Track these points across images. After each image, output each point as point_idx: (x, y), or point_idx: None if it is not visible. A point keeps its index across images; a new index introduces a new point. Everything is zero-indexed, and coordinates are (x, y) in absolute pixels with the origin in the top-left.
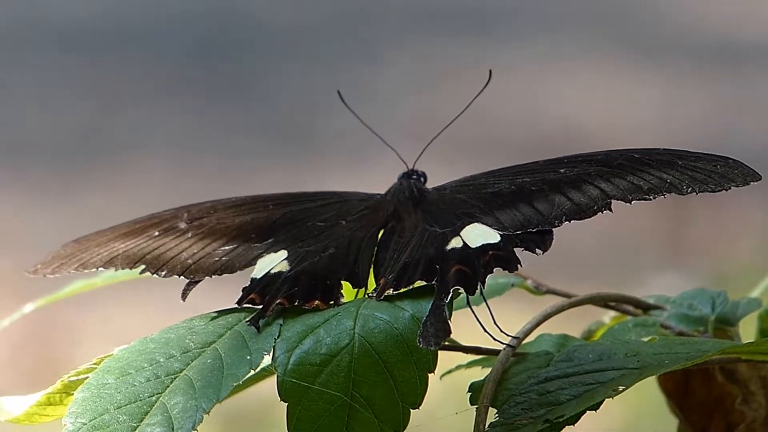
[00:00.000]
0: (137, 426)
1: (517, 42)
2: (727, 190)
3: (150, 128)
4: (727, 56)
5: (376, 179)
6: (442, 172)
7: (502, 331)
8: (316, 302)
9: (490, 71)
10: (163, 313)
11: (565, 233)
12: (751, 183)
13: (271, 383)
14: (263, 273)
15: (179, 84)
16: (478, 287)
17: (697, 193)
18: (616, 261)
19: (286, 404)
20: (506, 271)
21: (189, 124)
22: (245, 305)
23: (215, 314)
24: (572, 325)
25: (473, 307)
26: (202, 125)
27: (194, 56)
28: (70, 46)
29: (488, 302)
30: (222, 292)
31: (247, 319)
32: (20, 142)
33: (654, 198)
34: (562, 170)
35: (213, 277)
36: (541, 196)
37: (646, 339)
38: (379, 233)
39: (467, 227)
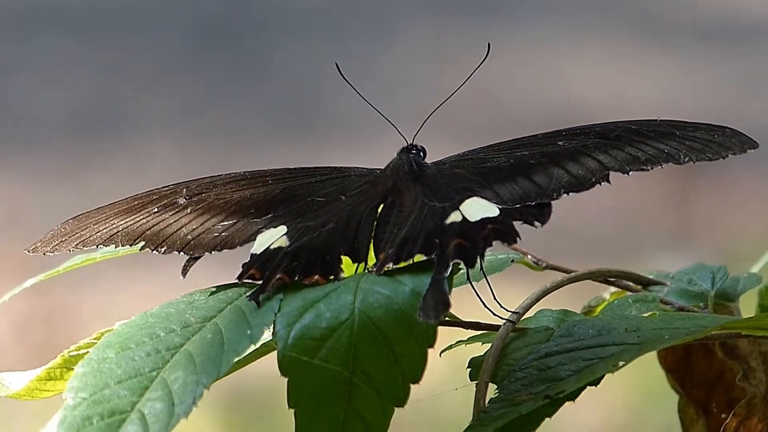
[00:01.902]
0: (138, 401)
1: (523, 21)
2: (724, 158)
3: (153, 108)
4: (734, 33)
5: (381, 158)
6: (448, 153)
7: (502, 306)
8: (316, 277)
9: (489, 44)
10: (164, 290)
11: (572, 211)
12: (749, 150)
13: (273, 365)
14: (263, 248)
15: (183, 64)
16: (478, 261)
17: (694, 162)
18: (622, 240)
19: (287, 379)
20: (506, 245)
21: (192, 103)
22: (245, 280)
23: (215, 289)
24: (572, 300)
25: (473, 283)
26: (206, 105)
27: (198, 36)
28: (75, 25)
29: (488, 278)
30: (222, 269)
31: (248, 294)
32: (24, 123)
33: (651, 168)
34: (560, 143)
35: (213, 253)
36: (539, 169)
37: (646, 314)
38: (378, 208)
39: (466, 201)
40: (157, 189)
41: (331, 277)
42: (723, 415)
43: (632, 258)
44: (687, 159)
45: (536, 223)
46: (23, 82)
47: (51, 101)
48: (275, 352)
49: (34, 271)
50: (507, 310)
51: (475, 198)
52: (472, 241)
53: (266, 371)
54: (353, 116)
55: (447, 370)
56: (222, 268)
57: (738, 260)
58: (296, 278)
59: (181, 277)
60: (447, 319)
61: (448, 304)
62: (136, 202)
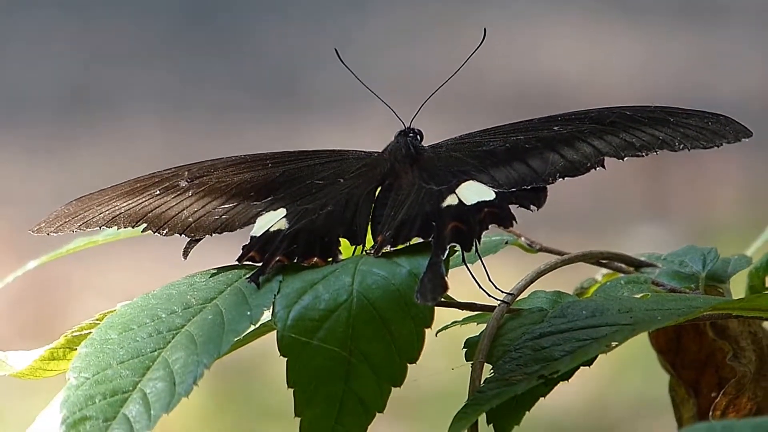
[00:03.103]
0: (139, 381)
1: None
2: (718, 146)
3: (141, 84)
4: (707, 9)
5: (366, 131)
6: (426, 126)
7: (496, 287)
8: (315, 259)
9: (485, 30)
10: (161, 266)
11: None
12: (743, 140)
13: (264, 337)
14: (263, 231)
15: (168, 40)
16: (474, 243)
17: (689, 150)
18: (597, 211)
19: (286, 359)
20: (501, 228)
21: (180, 79)
22: (245, 262)
23: (216, 271)
24: (565, 282)
25: (468, 265)
26: (191, 80)
27: (182, 13)
28: (64, 2)
29: (483, 259)
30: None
31: (247, 276)
32: (14, 99)
33: (646, 155)
34: (555, 128)
35: (213, 235)
36: (535, 153)
37: (638, 296)
38: (376, 191)
39: (463, 185)
40: (159, 172)
41: (330, 259)
42: (713, 394)
43: (607, 229)
44: (682, 146)
45: (532, 207)
46: (12, 58)
47: (39, 77)
48: (274, 332)
49: (25, 246)
50: (502, 291)
51: (471, 182)
52: (469, 225)
53: (257, 342)
54: (334, 89)
55: (442, 350)
56: (218, 249)
57: (710, 230)
58: (295, 260)
59: (183, 259)
60: (443, 300)
61: (445, 287)
62: (138, 185)
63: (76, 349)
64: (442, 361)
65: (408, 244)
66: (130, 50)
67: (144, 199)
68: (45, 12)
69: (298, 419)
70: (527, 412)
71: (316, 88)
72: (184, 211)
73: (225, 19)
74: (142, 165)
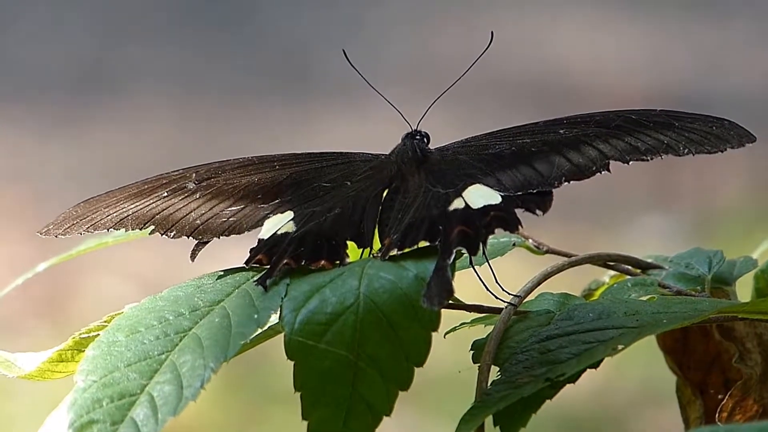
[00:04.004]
0: (147, 384)
1: None
2: (722, 151)
3: (152, 64)
4: (717, 2)
5: (377, 117)
6: (430, 115)
7: (503, 289)
8: (322, 262)
9: (492, 33)
10: (169, 245)
11: None
12: (746, 144)
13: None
14: (270, 234)
15: (184, 19)
16: (480, 247)
17: (693, 155)
18: (602, 200)
19: (293, 363)
20: (507, 231)
21: (190, 60)
22: (253, 265)
23: (223, 273)
24: (572, 283)
25: (475, 267)
26: (206, 60)
27: None
28: None
29: (490, 261)
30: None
31: (255, 279)
32: (27, 77)
33: (651, 159)
34: (561, 131)
35: (221, 237)
36: (541, 157)
37: (644, 298)
38: (383, 193)
39: (469, 188)
40: (166, 173)
41: (337, 262)
42: (720, 396)
43: (612, 218)
44: (686, 151)
45: (538, 211)
46: (25, 36)
47: (51, 56)
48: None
49: (35, 222)
50: (509, 294)
51: (477, 185)
52: (475, 229)
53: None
54: (345, 74)
55: (449, 352)
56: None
57: (714, 221)
58: (303, 263)
59: (190, 261)
60: (450, 302)
61: (451, 291)
62: (146, 187)
63: (84, 351)
64: (449, 364)
65: (415, 248)
66: (143, 29)
67: (152, 201)
68: None
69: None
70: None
71: (327, 73)
72: (192, 213)
73: (237, 1)
74: (153, 144)
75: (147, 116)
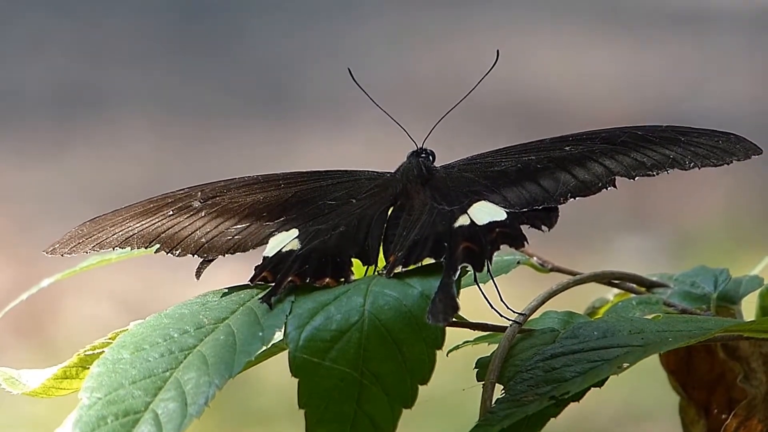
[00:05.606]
0: (151, 401)
1: (490, 4)
2: (728, 164)
3: (132, 87)
4: (695, 17)
5: (355, 137)
6: (408, 140)
7: (508, 307)
8: (327, 280)
9: (498, 51)
10: (149, 267)
11: None
12: (753, 156)
13: None
14: (275, 251)
15: (163, 42)
16: (486, 264)
17: (699, 168)
18: (581, 220)
19: (298, 380)
20: (512, 249)
21: (169, 82)
22: (258, 282)
23: (228, 290)
24: (576, 302)
25: (480, 285)
26: (184, 83)
27: (178, 14)
28: (57, 3)
29: (495, 279)
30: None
31: (260, 296)
32: (7, 99)
33: (657, 174)
34: (567, 148)
35: (226, 255)
36: (546, 173)
37: (649, 316)
38: (388, 211)
39: (474, 205)
40: (172, 192)
41: (342, 279)
42: (723, 416)
43: (591, 238)
44: (692, 165)
45: (543, 227)
46: (5, 58)
47: (31, 78)
48: (286, 353)
49: (14, 248)
50: (514, 312)
51: (483, 202)
52: (480, 245)
53: None
54: (324, 92)
55: (454, 370)
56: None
57: (692, 240)
58: (307, 281)
59: (196, 279)
60: (454, 319)
61: (456, 308)
62: (151, 205)
63: (89, 367)
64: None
65: (420, 265)
66: (123, 53)
67: (157, 220)
68: (37, 13)
69: (280, 425)
70: None
71: (305, 93)
72: (197, 232)
73: (217, 23)
74: (134, 167)
75: (127, 139)
